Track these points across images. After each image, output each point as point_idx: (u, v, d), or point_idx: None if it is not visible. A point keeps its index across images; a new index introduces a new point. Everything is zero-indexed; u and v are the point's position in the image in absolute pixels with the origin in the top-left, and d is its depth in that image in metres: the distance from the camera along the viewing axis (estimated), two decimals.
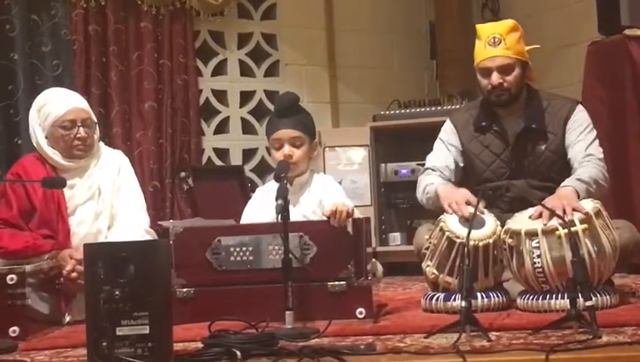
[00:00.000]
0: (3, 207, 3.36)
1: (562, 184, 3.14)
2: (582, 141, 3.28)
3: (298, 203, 3.25)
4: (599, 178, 3.17)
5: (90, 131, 3.43)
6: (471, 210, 3.01)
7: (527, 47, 3.36)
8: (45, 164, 3.41)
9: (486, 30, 3.33)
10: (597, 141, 3.30)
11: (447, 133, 3.47)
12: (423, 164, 3.52)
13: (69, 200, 3.38)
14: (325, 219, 2.99)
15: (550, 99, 3.40)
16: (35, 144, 3.44)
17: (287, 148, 3.24)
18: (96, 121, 3.52)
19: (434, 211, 3.33)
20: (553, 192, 3.11)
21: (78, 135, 3.38)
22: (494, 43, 3.28)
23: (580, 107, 3.37)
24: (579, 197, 3.04)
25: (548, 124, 3.32)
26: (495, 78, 3.28)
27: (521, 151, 3.33)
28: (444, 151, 3.44)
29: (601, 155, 3.27)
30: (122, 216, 3.43)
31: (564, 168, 3.29)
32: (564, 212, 2.91)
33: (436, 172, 3.39)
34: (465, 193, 3.17)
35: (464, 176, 3.45)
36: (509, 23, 3.33)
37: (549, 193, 3.12)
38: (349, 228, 2.93)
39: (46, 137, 3.40)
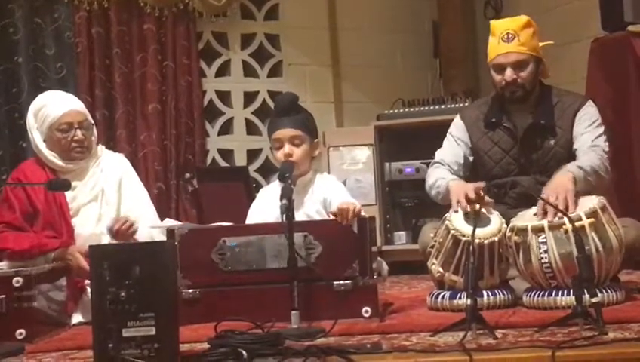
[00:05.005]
0: (6, 211, 3.38)
1: (561, 168, 3.13)
2: (589, 133, 3.26)
3: (302, 203, 3.24)
4: (600, 169, 3.14)
5: (87, 133, 3.43)
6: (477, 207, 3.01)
7: (541, 44, 3.34)
8: (45, 168, 3.42)
9: (500, 26, 3.32)
10: (604, 136, 3.28)
11: (457, 128, 3.46)
12: (428, 163, 3.51)
13: (71, 201, 3.39)
14: (330, 218, 2.99)
15: (561, 95, 3.38)
16: (34, 147, 3.46)
17: (287, 147, 3.23)
18: (92, 122, 3.53)
19: (439, 209, 3.32)
20: None
21: (75, 137, 3.39)
22: (508, 39, 3.26)
23: (590, 102, 3.36)
24: (575, 184, 3.02)
25: (557, 119, 3.31)
26: (509, 74, 3.27)
27: (530, 147, 3.32)
28: (454, 145, 3.43)
29: (607, 148, 3.24)
30: (143, 215, 3.47)
31: None
32: (568, 208, 2.91)
33: (445, 166, 3.38)
34: (474, 185, 3.16)
35: (473, 172, 3.44)
36: (523, 19, 3.30)
37: None
38: (354, 228, 2.93)
39: (44, 140, 3.41)
